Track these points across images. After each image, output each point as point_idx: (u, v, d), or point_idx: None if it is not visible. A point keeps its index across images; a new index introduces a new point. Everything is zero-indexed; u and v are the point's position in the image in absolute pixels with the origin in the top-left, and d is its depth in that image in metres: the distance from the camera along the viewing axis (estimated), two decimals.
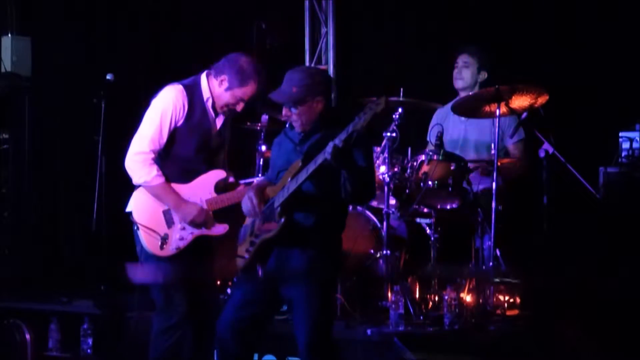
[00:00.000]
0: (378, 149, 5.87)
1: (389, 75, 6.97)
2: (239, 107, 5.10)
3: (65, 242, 7.93)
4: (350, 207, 5.68)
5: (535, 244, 5.79)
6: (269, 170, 4.80)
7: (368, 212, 6.09)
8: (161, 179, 5.03)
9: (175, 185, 5.08)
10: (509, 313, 5.71)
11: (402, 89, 6.00)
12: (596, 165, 5.69)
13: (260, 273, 4.49)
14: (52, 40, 7.89)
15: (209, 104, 5.11)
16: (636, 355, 4.99)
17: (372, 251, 5.97)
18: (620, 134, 5.96)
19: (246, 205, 4.57)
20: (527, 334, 5.31)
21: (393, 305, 5.52)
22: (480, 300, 5.57)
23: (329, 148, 4.21)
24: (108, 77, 6.51)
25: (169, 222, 5.07)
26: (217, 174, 5.12)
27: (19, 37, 7.77)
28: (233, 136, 5.35)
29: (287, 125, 4.76)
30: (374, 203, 6.15)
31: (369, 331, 5.37)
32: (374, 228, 6.07)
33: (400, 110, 5.93)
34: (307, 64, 7.58)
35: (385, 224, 5.84)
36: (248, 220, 4.67)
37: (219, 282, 6.07)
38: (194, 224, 5.04)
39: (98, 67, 7.15)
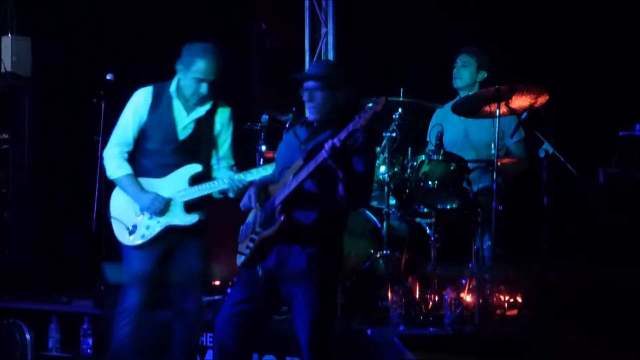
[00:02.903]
0: (378, 149, 5.87)
1: (389, 75, 6.96)
2: (202, 88, 5.18)
3: (65, 242, 7.92)
4: None
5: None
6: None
7: (368, 212, 6.09)
8: (122, 172, 5.24)
9: (150, 180, 5.25)
10: (509, 313, 5.71)
11: (402, 89, 6.00)
12: (596, 165, 5.68)
13: (259, 272, 4.48)
14: (52, 40, 7.88)
15: (179, 98, 5.23)
16: (636, 355, 5.00)
17: (372, 251, 5.96)
18: (621, 134, 5.96)
19: (244, 200, 4.58)
20: (527, 334, 5.33)
21: (393, 305, 5.52)
22: (480, 300, 5.57)
23: (327, 146, 4.21)
24: (108, 77, 6.50)
25: (137, 212, 5.23)
26: (192, 168, 5.26)
27: (19, 37, 7.76)
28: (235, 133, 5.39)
29: (286, 125, 4.74)
30: (374, 203, 6.15)
31: (369, 331, 5.37)
32: (374, 228, 6.07)
33: (400, 110, 5.94)
34: (307, 64, 7.57)
35: (385, 224, 5.84)
36: (249, 218, 4.66)
37: (218, 282, 6.07)
38: (153, 212, 5.18)
39: (98, 67, 7.14)
